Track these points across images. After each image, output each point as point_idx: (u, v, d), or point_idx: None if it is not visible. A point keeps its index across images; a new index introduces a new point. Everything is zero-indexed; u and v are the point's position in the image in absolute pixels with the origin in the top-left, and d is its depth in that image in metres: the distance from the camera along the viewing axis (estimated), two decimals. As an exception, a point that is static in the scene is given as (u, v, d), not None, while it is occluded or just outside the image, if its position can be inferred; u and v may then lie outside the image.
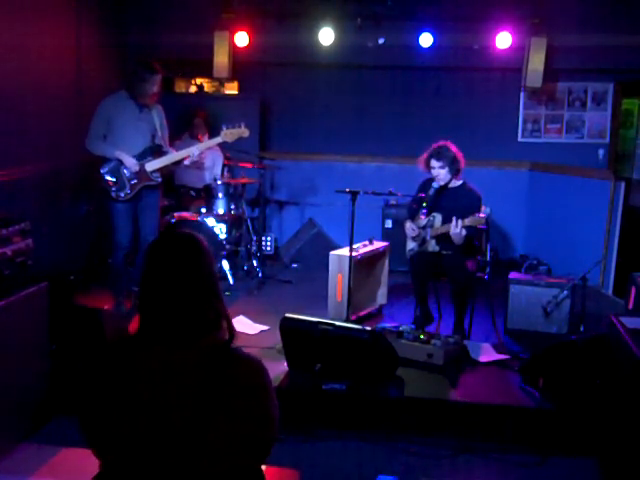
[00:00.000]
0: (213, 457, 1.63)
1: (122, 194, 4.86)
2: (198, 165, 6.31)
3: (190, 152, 5.02)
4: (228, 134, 5.16)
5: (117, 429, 1.64)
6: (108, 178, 4.84)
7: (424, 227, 4.75)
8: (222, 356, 1.68)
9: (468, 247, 4.63)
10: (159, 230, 5.23)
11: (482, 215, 4.37)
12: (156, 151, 4.97)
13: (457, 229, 4.40)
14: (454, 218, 4.40)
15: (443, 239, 4.62)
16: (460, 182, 4.78)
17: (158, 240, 1.81)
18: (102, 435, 1.67)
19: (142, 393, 1.63)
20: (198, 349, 1.68)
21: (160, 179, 5.03)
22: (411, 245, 4.86)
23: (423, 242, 4.77)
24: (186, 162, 5.08)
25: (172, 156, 5.02)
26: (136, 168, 4.85)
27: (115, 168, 4.84)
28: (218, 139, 5.17)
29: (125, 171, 4.85)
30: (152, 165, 4.92)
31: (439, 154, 4.65)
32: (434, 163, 4.67)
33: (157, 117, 4.98)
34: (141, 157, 4.89)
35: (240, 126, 5.19)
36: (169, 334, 1.68)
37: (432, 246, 4.72)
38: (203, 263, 1.75)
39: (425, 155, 4.75)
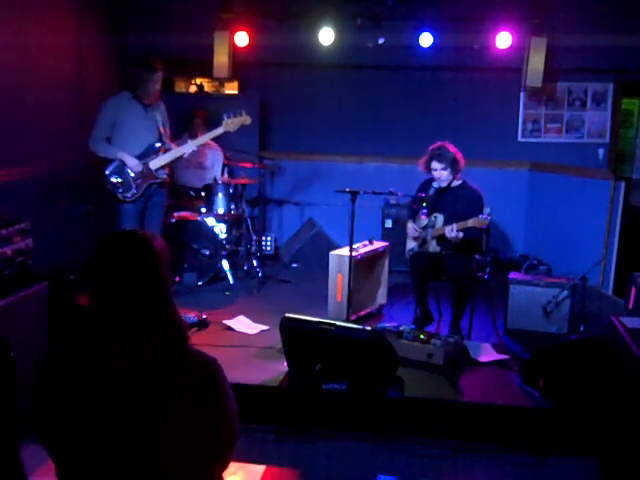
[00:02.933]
0: (167, 461, 1.58)
1: (129, 194, 4.87)
2: (198, 165, 6.31)
3: (193, 145, 5.03)
4: (230, 123, 5.14)
5: (67, 432, 1.60)
6: (113, 180, 4.85)
7: (425, 227, 4.74)
8: (170, 356, 1.64)
9: (470, 246, 4.63)
10: (163, 228, 5.25)
11: (485, 216, 4.37)
12: (160, 148, 4.98)
13: (452, 233, 4.42)
14: (449, 225, 4.41)
15: (444, 239, 4.62)
16: (460, 181, 4.78)
17: (111, 238, 1.75)
18: (53, 437, 1.64)
19: (88, 396, 1.59)
20: (144, 350, 1.63)
21: (166, 175, 5.05)
22: (411, 245, 4.86)
23: (424, 242, 4.76)
24: (186, 155, 5.06)
25: (175, 151, 5.04)
26: (139, 168, 4.85)
27: (119, 169, 4.86)
28: (220, 129, 5.15)
29: (129, 171, 4.85)
30: (156, 163, 4.94)
31: (440, 156, 4.63)
32: (435, 165, 4.66)
33: (160, 114, 5.01)
34: (144, 155, 4.91)
35: (241, 114, 5.17)
36: (113, 335, 1.65)
37: (433, 246, 4.72)
38: (151, 265, 1.69)
39: (425, 157, 4.73)
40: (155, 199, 5.04)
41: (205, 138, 5.22)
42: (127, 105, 4.86)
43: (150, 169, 4.91)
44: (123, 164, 4.84)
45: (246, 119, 5.20)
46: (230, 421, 1.68)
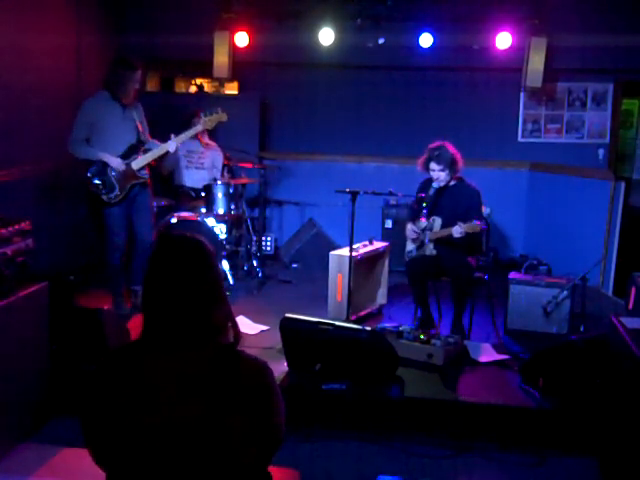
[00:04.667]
0: (219, 461, 1.60)
1: (112, 196, 4.78)
2: (198, 165, 6.31)
3: (176, 142, 4.95)
4: (207, 121, 5.15)
5: (122, 437, 1.61)
6: (96, 182, 4.75)
7: (424, 230, 4.73)
8: (228, 359, 1.66)
9: (469, 246, 4.62)
10: (155, 229, 5.22)
11: (477, 223, 4.34)
12: (140, 148, 4.89)
13: (458, 234, 4.39)
14: (456, 226, 4.39)
15: (441, 242, 4.61)
16: (457, 180, 4.77)
17: (162, 243, 1.76)
18: (106, 444, 1.64)
19: (146, 400, 1.60)
20: (204, 353, 1.65)
21: (147, 175, 4.96)
22: (410, 247, 4.85)
23: (421, 245, 4.75)
24: (171, 150, 4.98)
25: (156, 151, 4.93)
26: (122, 167, 4.77)
27: (101, 170, 4.75)
28: (199, 127, 5.15)
29: (111, 172, 4.77)
30: (138, 163, 4.84)
31: (438, 157, 4.61)
32: (434, 166, 4.64)
33: (138, 114, 4.92)
34: (126, 156, 4.82)
35: (217, 112, 5.17)
36: (173, 339, 1.65)
37: (430, 250, 4.70)
38: (208, 267, 1.71)
39: (424, 157, 4.71)
40: (140, 200, 4.95)
41: (185, 136, 5.09)
42: (106, 105, 4.75)
43: (132, 169, 4.82)
44: (104, 165, 4.74)
45: (222, 116, 5.18)
46: (278, 422, 1.71)
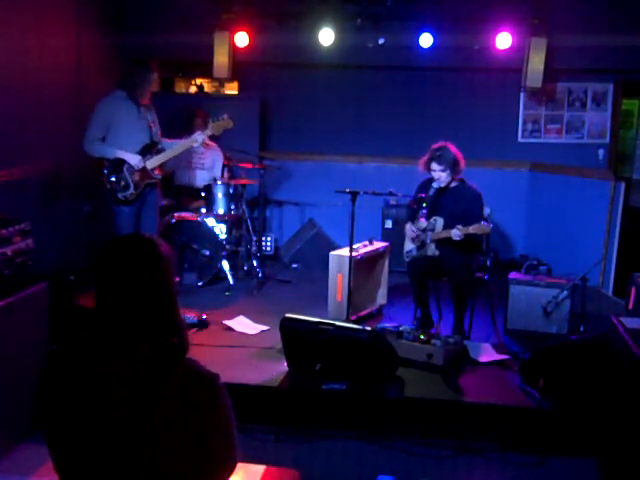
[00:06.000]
0: (153, 471, 1.55)
1: (128, 194, 4.84)
2: (198, 165, 6.31)
3: (194, 140, 5.03)
4: (215, 127, 5.16)
5: (64, 432, 1.60)
6: (112, 179, 4.83)
7: (424, 230, 4.72)
8: (165, 364, 1.60)
9: (470, 245, 4.62)
10: (159, 229, 5.24)
11: (486, 224, 4.35)
12: (154, 148, 4.96)
13: (458, 237, 4.40)
14: (454, 229, 4.39)
15: (443, 242, 4.61)
16: (459, 181, 4.77)
17: (116, 241, 1.73)
18: (52, 438, 1.64)
19: (87, 397, 1.59)
20: (143, 354, 1.61)
21: (159, 176, 5.03)
22: (410, 247, 4.84)
23: (422, 245, 4.75)
24: (196, 144, 5.10)
25: (170, 152, 5.01)
26: (141, 165, 4.84)
27: (117, 168, 4.83)
28: (208, 131, 5.16)
29: (127, 171, 4.84)
30: (152, 162, 4.92)
31: (440, 157, 4.60)
32: (435, 166, 4.64)
33: (151, 114, 4.98)
34: (141, 155, 4.89)
35: (224, 118, 5.18)
36: (116, 337, 1.63)
37: (432, 250, 4.69)
38: (155, 269, 1.67)
39: (425, 157, 4.70)
40: (150, 200, 5.01)
41: (205, 134, 5.18)
42: (122, 105, 4.81)
43: (147, 169, 4.90)
44: (121, 163, 4.81)
45: (228, 123, 5.20)
46: (222, 441, 1.63)
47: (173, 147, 5.03)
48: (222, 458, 1.65)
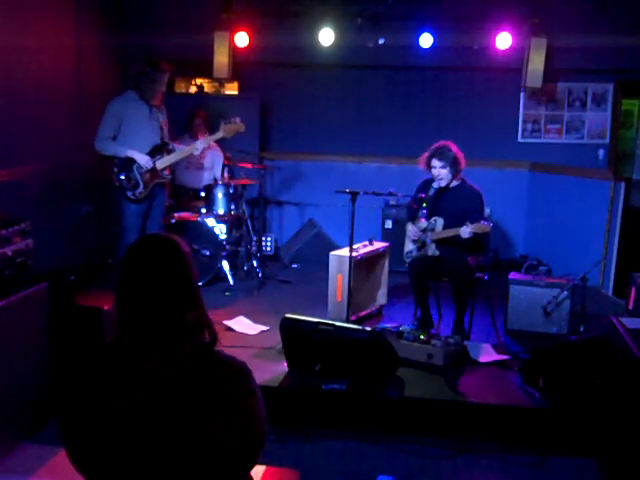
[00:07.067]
0: (200, 464, 1.58)
1: (137, 192, 4.88)
2: (198, 165, 6.31)
3: (195, 148, 5.07)
4: (227, 129, 5.17)
5: (100, 442, 1.58)
6: (122, 177, 4.86)
7: (425, 230, 4.72)
8: (204, 360, 1.65)
9: (474, 245, 4.61)
10: (163, 229, 5.25)
11: (486, 223, 4.34)
12: (165, 149, 4.99)
13: (467, 235, 4.38)
14: (464, 226, 4.38)
15: (444, 242, 4.61)
16: (459, 181, 4.77)
17: (137, 243, 1.73)
18: (85, 449, 1.62)
19: (123, 403, 1.58)
20: (178, 355, 1.63)
21: (169, 177, 5.10)
22: (410, 247, 4.84)
23: (423, 245, 4.74)
24: (197, 152, 5.14)
25: (180, 152, 5.07)
26: (150, 164, 4.87)
27: (127, 167, 4.86)
28: (220, 133, 5.17)
29: (137, 170, 4.86)
30: (162, 163, 4.97)
31: (441, 154, 4.62)
32: (435, 163, 4.65)
33: (162, 115, 5.03)
34: (151, 155, 4.92)
35: (235, 121, 5.19)
36: (146, 340, 1.63)
37: (432, 250, 4.68)
38: (181, 268, 1.69)
39: (426, 154, 4.72)
40: (158, 199, 5.07)
41: (211, 139, 5.25)
42: (133, 105, 4.86)
43: (157, 169, 4.94)
44: (131, 162, 4.84)
45: (240, 126, 5.21)
46: (259, 424, 1.68)
47: (177, 151, 5.07)
48: (260, 441, 1.69)
